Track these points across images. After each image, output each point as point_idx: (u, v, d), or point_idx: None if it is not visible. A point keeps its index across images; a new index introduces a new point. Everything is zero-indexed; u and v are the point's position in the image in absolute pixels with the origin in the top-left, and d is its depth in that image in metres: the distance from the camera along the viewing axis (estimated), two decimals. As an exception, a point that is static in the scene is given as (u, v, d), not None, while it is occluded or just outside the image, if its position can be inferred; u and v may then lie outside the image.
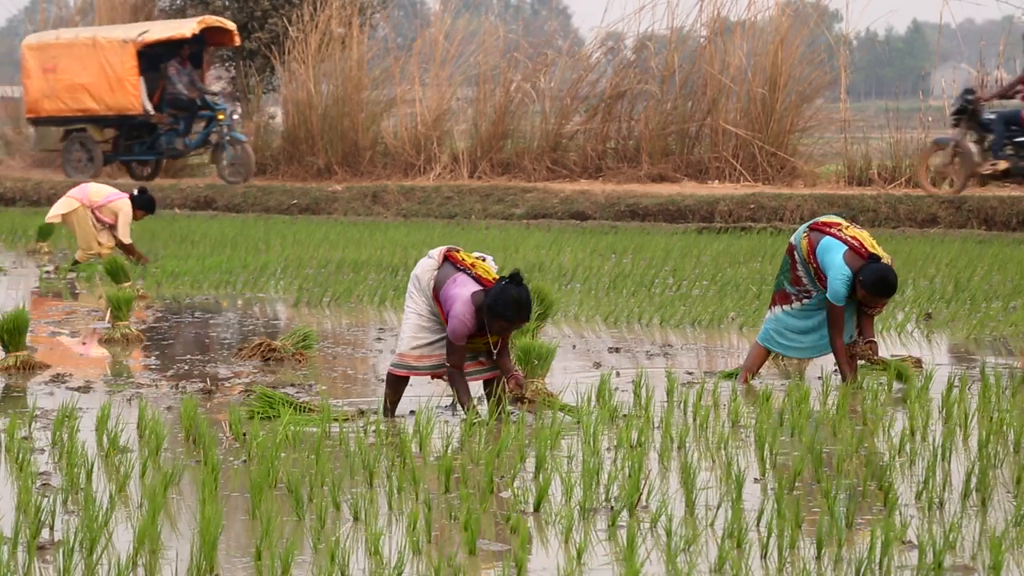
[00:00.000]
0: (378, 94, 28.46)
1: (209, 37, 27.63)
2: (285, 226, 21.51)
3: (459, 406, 8.21)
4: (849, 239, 9.06)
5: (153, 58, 27.33)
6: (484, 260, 8.38)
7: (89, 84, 27.32)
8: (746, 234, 19.76)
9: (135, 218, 16.09)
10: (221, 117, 26.42)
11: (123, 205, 15.90)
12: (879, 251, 9.02)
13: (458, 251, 8.29)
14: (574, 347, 11.02)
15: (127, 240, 15.99)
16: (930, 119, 24.42)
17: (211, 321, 12.74)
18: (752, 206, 21.46)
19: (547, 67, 27.91)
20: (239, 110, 28.04)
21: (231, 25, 27.82)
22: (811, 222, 9.36)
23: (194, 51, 27.49)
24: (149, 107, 27.09)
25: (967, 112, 20.59)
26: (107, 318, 11.52)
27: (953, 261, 15.71)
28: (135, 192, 16.18)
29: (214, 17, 28.14)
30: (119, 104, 27.12)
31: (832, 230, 9.15)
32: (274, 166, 28.67)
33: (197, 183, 27.43)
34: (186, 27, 27.22)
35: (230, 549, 5.66)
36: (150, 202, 16.16)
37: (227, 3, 30.91)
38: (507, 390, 8.20)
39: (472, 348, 8.23)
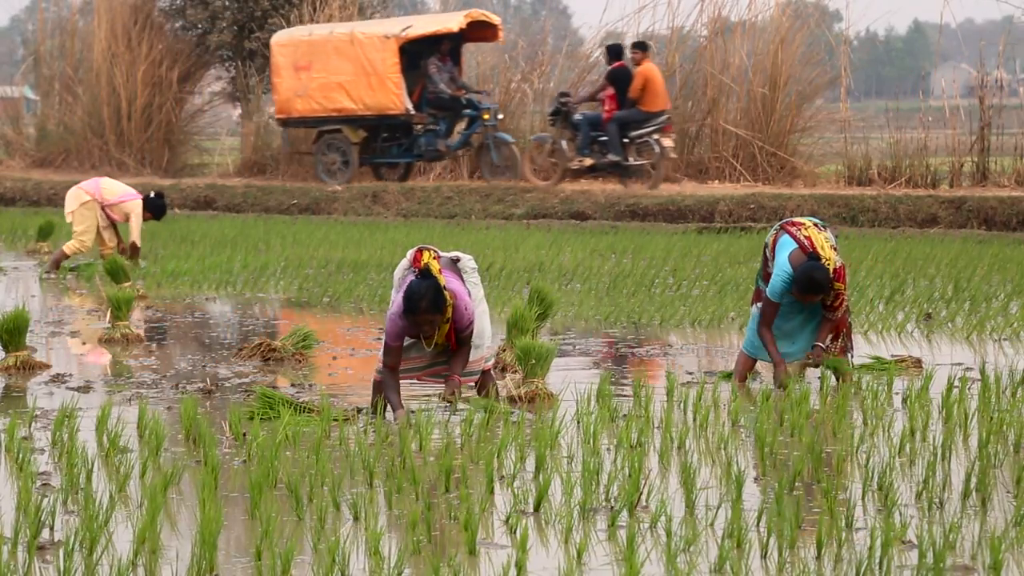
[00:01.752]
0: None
1: (470, 32, 25.56)
2: (285, 226, 21.51)
3: (371, 409, 8.14)
4: (802, 239, 9.14)
5: (411, 54, 25.36)
6: (458, 260, 8.32)
7: (346, 82, 25.42)
8: (746, 234, 19.76)
9: (143, 219, 16.07)
10: (486, 117, 24.60)
11: (136, 206, 15.84)
12: (826, 253, 9.07)
13: (424, 251, 8.23)
14: (574, 347, 11.02)
15: (139, 242, 15.96)
16: (930, 119, 24.42)
17: (211, 321, 12.75)
18: (752, 206, 21.46)
19: (542, 67, 27.92)
20: (501, 110, 25.79)
21: (496, 19, 25.97)
22: (783, 221, 9.44)
23: (453, 46, 25.57)
24: (410, 106, 25.14)
25: (561, 113, 23.40)
26: (107, 318, 11.52)
27: (953, 261, 15.71)
28: (151, 194, 16.10)
29: (480, 10, 26.08)
30: (379, 103, 25.21)
31: (792, 229, 9.25)
32: (274, 166, 28.68)
33: (197, 183, 27.43)
34: (452, 21, 25.33)
35: (230, 549, 5.66)
36: (161, 208, 16.04)
37: (227, 3, 30.92)
38: (443, 393, 8.20)
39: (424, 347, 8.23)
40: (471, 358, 8.28)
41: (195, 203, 26.02)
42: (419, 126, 25.36)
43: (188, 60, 31.00)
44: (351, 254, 16.95)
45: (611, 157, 22.95)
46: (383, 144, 25.72)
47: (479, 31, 25.82)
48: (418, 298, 7.87)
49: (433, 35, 25.16)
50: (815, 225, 9.32)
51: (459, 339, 8.17)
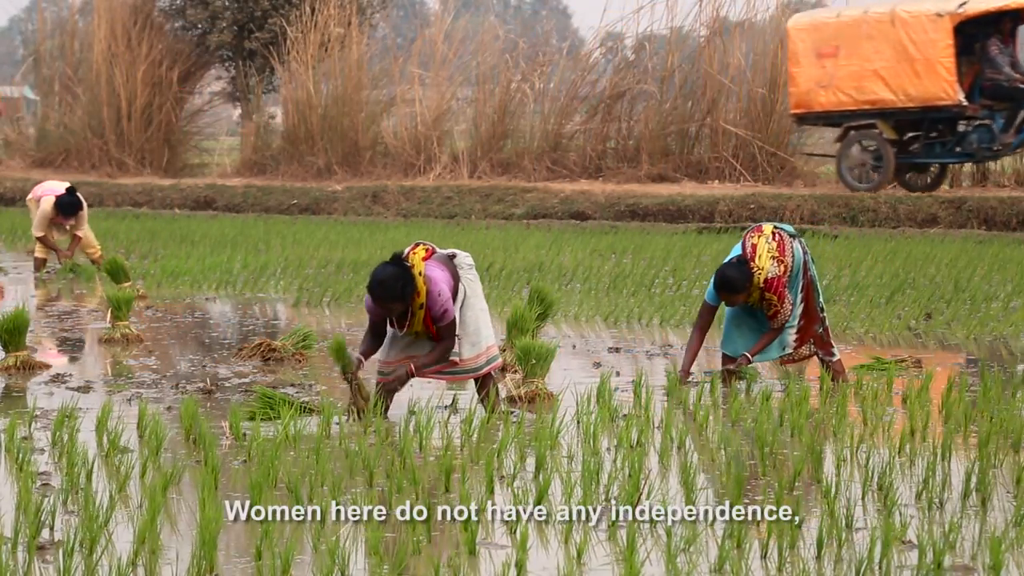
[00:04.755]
0: (378, 94, 28.50)
1: None
2: (285, 226, 21.51)
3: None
4: (748, 246, 9.17)
5: (962, 35, 21.32)
6: (454, 256, 8.32)
7: (883, 69, 21.61)
8: (746, 234, 19.74)
9: (53, 220, 16.03)
10: None
11: (44, 202, 15.98)
12: (760, 262, 9.07)
13: (418, 245, 8.22)
14: (574, 347, 11.02)
15: (38, 233, 16.10)
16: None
17: (211, 321, 12.75)
18: (752, 206, 21.45)
19: (543, 67, 27.93)
20: None
21: None
22: (750, 228, 9.49)
23: (1012, 26, 21.53)
24: (962, 97, 21.06)
25: None
26: (107, 318, 11.52)
27: (953, 261, 15.71)
28: (63, 191, 16.07)
29: None
30: (925, 93, 21.24)
31: (748, 235, 9.31)
32: (274, 166, 28.68)
33: (197, 183, 27.42)
34: None
35: (230, 549, 5.66)
36: (65, 206, 15.97)
37: (227, 3, 30.93)
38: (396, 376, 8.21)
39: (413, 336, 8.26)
40: (467, 355, 8.27)
41: (195, 203, 26.01)
42: (968, 121, 21.57)
43: (188, 60, 31.01)
44: (351, 254, 16.95)
45: None
46: (926, 142, 21.86)
47: None
48: (375, 282, 7.94)
49: (997, 11, 21.16)
50: (774, 234, 9.30)
51: (437, 329, 8.16)
